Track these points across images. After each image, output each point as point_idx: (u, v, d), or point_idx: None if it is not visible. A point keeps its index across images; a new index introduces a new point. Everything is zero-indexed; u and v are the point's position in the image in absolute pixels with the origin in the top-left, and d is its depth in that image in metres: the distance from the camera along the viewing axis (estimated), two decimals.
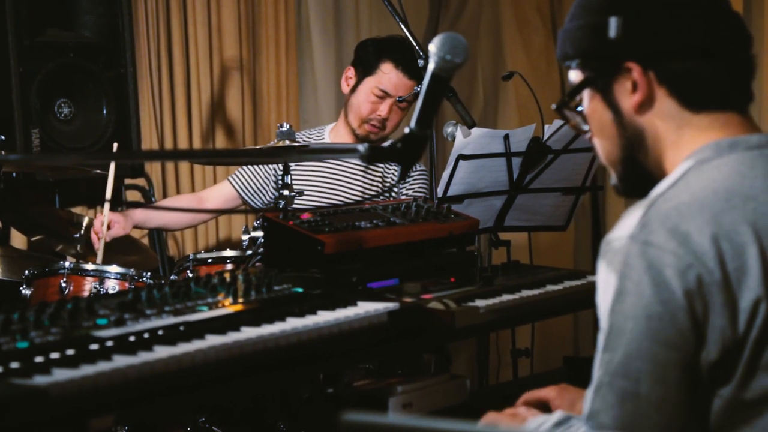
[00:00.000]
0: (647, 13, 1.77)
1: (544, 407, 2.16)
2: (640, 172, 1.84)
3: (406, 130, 2.12)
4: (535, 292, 2.97)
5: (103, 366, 2.02)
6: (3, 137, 4.20)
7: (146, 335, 2.23)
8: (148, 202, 5.09)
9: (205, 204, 4.39)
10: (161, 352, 2.13)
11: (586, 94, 1.87)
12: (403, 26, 3.68)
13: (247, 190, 4.34)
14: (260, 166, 4.32)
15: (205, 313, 2.44)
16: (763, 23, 4.97)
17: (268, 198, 4.33)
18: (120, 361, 2.06)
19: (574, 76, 1.87)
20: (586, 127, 1.91)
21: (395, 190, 4.18)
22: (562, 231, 4.04)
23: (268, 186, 4.33)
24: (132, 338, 2.21)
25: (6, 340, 2.12)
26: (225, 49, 5.33)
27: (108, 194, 3.79)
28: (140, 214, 4.16)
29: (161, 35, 5.14)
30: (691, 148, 1.77)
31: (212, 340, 2.24)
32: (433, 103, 2.15)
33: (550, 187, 3.83)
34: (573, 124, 1.95)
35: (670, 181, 1.73)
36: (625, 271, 1.63)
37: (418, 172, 4.18)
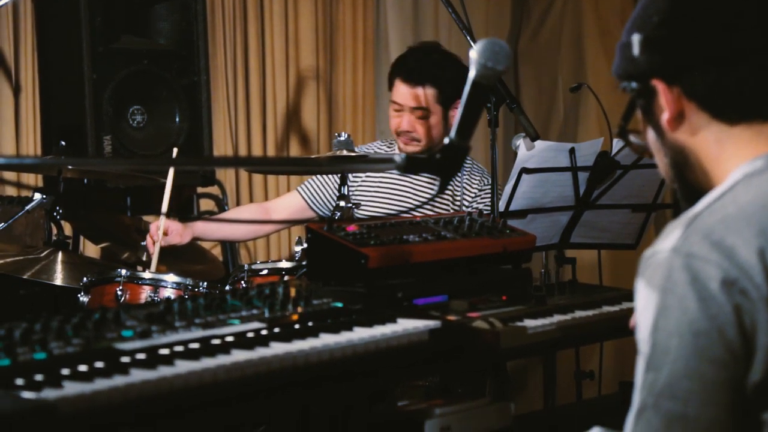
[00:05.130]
0: (665, 28, 1.70)
1: None
2: (693, 189, 1.75)
3: (446, 141, 2.03)
4: (589, 312, 2.84)
5: (118, 380, 1.96)
6: (63, 143, 4.20)
7: (169, 349, 2.17)
8: (221, 211, 5.06)
9: (272, 215, 4.32)
10: (182, 367, 2.06)
11: (638, 114, 1.80)
12: (466, 34, 3.59)
13: (317, 201, 4.26)
14: (329, 177, 4.24)
15: (236, 327, 2.37)
16: None
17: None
18: (137, 375, 1.99)
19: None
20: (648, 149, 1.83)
21: (465, 204, 4.07)
22: (632, 249, 3.89)
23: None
24: (154, 352, 2.14)
25: (24, 350, 2.07)
26: (302, 59, 5.30)
27: (165, 200, 3.75)
28: (200, 226, 4.10)
29: (238, 44, 5.13)
30: (736, 162, 1.68)
31: (237, 355, 2.17)
32: (473, 112, 2.05)
33: (619, 203, 3.70)
34: (635, 147, 1.87)
35: (716, 194, 1.64)
36: (667, 286, 1.54)
37: (490, 187, 4.06)
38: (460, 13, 3.60)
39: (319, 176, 4.27)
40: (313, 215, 4.28)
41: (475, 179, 4.07)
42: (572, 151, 3.52)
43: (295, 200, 4.31)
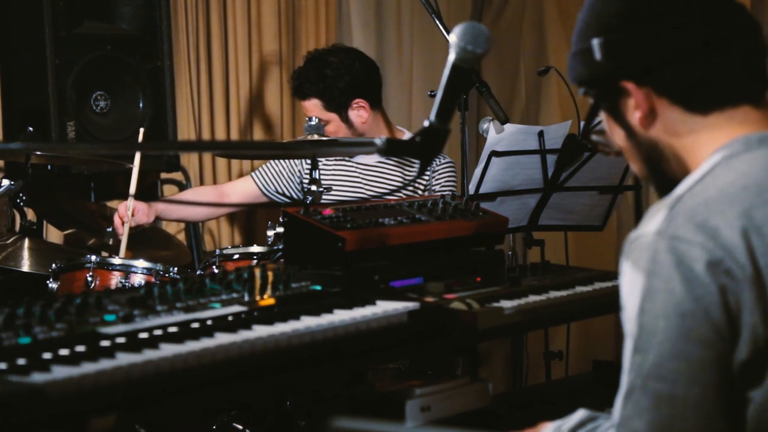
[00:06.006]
0: (625, 28, 1.73)
1: None
2: (670, 182, 1.78)
3: (425, 123, 2.04)
4: (564, 293, 2.88)
5: (105, 364, 1.96)
6: (31, 129, 4.17)
7: (153, 332, 2.18)
8: None
9: (228, 198, 4.38)
10: (167, 350, 2.07)
11: (602, 116, 1.83)
12: (435, 18, 3.61)
13: (269, 188, 4.33)
14: (285, 165, 4.31)
15: (217, 311, 2.38)
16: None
17: (294, 198, 4.33)
18: (123, 359, 2.00)
19: (590, 100, 1.82)
20: (616, 148, 1.85)
21: (420, 188, 4.10)
22: (599, 231, 3.94)
23: (291, 186, 4.32)
24: (138, 335, 2.15)
25: (9, 335, 2.07)
26: (264, 44, 5.28)
27: (133, 183, 3.76)
28: (161, 206, 4.15)
29: (200, 29, 5.11)
30: (712, 147, 1.71)
31: (221, 338, 2.18)
32: (452, 95, 2.07)
33: (587, 185, 3.74)
34: (601, 148, 1.90)
35: (697, 177, 1.67)
36: (653, 269, 1.57)
37: (443, 166, 4.11)
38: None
39: (273, 164, 4.34)
40: (266, 200, 4.35)
41: None
42: (541, 134, 3.56)
43: (249, 186, 4.38)
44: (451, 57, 2.02)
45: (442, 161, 4.11)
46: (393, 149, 2.07)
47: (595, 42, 1.74)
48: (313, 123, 3.44)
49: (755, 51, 1.74)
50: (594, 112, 1.81)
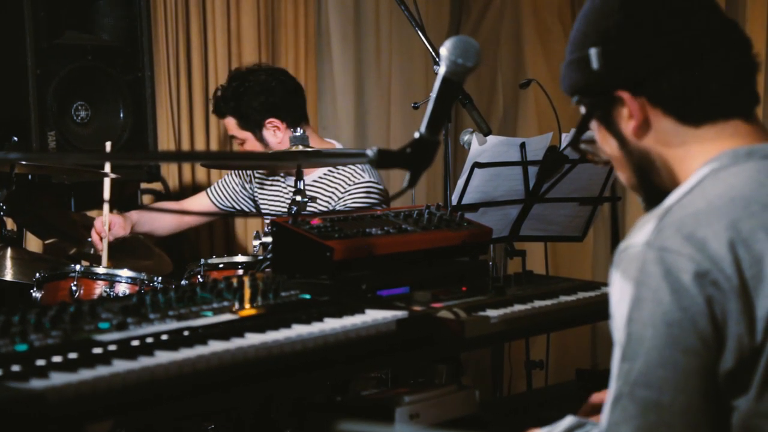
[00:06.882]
0: (624, 39, 1.75)
1: None
2: (658, 192, 1.81)
3: (416, 135, 2.06)
4: (548, 302, 2.92)
5: (102, 370, 1.98)
6: (16, 138, 4.18)
7: (148, 340, 2.20)
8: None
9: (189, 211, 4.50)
10: (162, 357, 2.10)
11: (594, 125, 1.84)
12: (419, 32, 3.65)
13: (225, 203, 4.49)
14: (237, 181, 4.45)
15: (210, 319, 2.41)
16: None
17: (245, 211, 4.51)
18: (120, 365, 2.02)
19: (581, 109, 1.85)
20: (605, 157, 1.88)
21: (332, 203, 4.12)
22: (579, 242, 3.99)
23: (243, 201, 4.47)
24: (133, 343, 2.18)
25: (5, 342, 2.09)
26: (244, 55, 5.30)
27: (106, 194, 3.80)
28: (135, 215, 4.22)
29: (180, 40, 5.12)
30: (702, 160, 1.74)
31: (215, 345, 2.20)
32: (443, 107, 2.09)
33: (567, 196, 3.78)
34: (590, 157, 1.92)
35: (686, 189, 1.70)
36: (641, 278, 1.60)
37: (358, 186, 4.12)
38: (413, 12, 3.65)
39: (226, 180, 4.50)
40: (223, 213, 4.54)
41: (342, 178, 4.13)
42: (523, 145, 3.60)
43: (205, 201, 4.54)
44: (442, 70, 2.05)
45: (358, 181, 4.13)
46: (385, 160, 2.09)
47: (593, 51, 1.76)
48: (298, 134, 3.47)
49: (747, 66, 1.77)
50: (586, 121, 1.84)
